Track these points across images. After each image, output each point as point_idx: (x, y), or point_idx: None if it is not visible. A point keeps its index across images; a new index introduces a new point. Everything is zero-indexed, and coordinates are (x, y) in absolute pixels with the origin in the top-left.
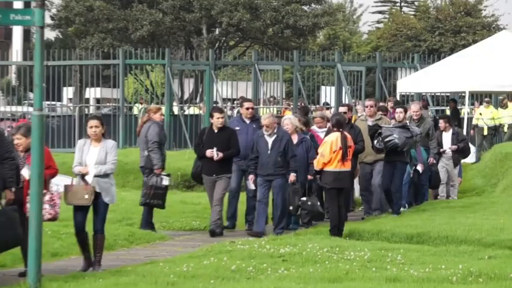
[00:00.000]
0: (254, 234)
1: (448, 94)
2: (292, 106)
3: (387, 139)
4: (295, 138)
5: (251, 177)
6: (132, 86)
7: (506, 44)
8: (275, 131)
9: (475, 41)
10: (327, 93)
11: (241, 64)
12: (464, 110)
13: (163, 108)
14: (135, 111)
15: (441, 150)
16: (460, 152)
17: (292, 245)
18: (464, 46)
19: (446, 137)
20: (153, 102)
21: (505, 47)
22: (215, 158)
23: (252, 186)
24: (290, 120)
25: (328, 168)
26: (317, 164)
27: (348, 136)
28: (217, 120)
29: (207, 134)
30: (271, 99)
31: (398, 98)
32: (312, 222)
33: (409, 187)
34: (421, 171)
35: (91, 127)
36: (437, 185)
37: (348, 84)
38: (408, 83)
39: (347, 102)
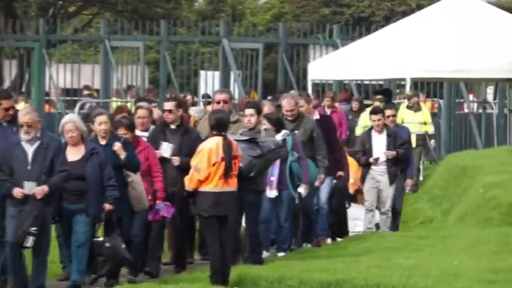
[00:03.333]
0: None
1: (381, 83)
2: (159, 100)
3: None
4: (81, 150)
5: None
6: None
7: (463, 12)
8: (38, 134)
9: (420, 7)
10: (209, 81)
11: (85, 40)
12: (404, 105)
13: None
14: None
15: (371, 159)
16: (399, 162)
17: None
18: (405, 14)
19: (379, 141)
20: None
21: (461, 15)
22: None
23: None
24: (74, 123)
25: (205, 188)
26: (189, 182)
27: (234, 142)
28: None
29: None
30: (131, 89)
31: (310, 87)
32: (119, 274)
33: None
34: (304, 195)
35: None
36: (341, 208)
37: (238, 68)
38: (324, 66)
39: (237, 92)
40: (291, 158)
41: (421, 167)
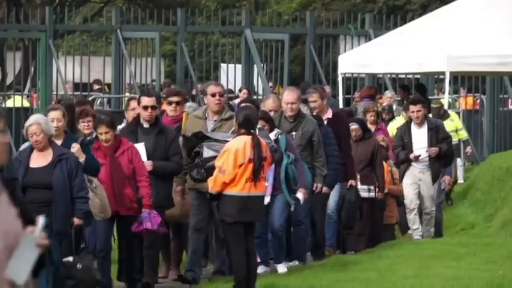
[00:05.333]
0: None
1: (418, 77)
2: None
3: (210, 164)
4: (48, 155)
5: None
6: None
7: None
8: None
9: None
10: (230, 75)
11: (95, 30)
12: (444, 102)
13: None
14: None
15: (411, 155)
16: (443, 158)
17: None
18: (444, 1)
19: (419, 136)
20: None
21: (506, 2)
22: None
23: None
24: (39, 126)
25: (230, 192)
26: (213, 184)
27: (263, 142)
28: None
29: None
30: (151, 84)
31: (340, 81)
32: None
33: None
34: (302, 201)
35: None
36: (351, 223)
37: (262, 60)
38: (356, 59)
39: (261, 87)
40: (286, 159)
41: (459, 172)
